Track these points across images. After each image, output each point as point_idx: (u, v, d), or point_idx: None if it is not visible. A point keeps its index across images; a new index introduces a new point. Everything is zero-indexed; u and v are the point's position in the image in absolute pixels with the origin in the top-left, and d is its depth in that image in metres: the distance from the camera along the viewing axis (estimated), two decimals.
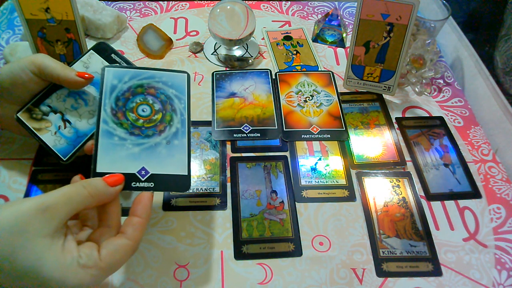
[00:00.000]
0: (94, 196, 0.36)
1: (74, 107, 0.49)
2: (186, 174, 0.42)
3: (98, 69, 0.49)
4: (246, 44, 0.75)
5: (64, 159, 0.47)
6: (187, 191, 0.43)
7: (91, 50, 0.51)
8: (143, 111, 0.44)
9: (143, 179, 0.40)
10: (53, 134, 0.48)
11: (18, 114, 0.48)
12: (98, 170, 0.39)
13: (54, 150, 0.47)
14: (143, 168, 0.41)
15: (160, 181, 0.41)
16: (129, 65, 0.50)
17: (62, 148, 0.48)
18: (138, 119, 0.43)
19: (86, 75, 0.46)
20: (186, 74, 0.47)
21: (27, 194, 0.52)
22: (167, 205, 0.52)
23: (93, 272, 0.33)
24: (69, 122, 0.48)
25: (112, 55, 0.51)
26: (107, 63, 0.50)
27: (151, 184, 0.40)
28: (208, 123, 0.61)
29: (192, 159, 0.56)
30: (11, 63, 0.46)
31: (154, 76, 0.45)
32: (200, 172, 0.56)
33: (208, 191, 0.54)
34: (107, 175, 0.38)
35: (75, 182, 0.37)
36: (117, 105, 0.43)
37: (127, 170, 0.40)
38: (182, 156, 0.43)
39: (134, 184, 0.40)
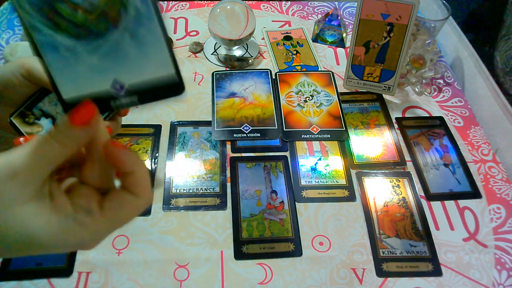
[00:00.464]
0: (68, 145, 0.28)
1: None
2: (173, 72, 0.30)
3: None
4: (246, 44, 0.75)
5: None
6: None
7: None
8: None
9: (121, 94, 0.30)
10: None
11: (11, 118, 0.48)
12: (65, 97, 0.29)
13: None
14: (115, 81, 0.30)
15: (144, 91, 0.31)
16: None
17: None
18: (74, 10, 0.28)
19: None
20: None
21: None
22: (167, 205, 0.52)
23: (94, 227, 0.28)
24: None
25: None
26: None
27: (135, 98, 0.31)
28: (208, 123, 0.61)
29: (191, 158, 0.56)
30: (1, 66, 0.46)
31: None
32: (200, 172, 0.56)
33: (208, 191, 0.54)
34: (73, 111, 0.28)
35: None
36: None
37: (97, 88, 0.30)
38: (158, 49, 0.30)
39: (114, 103, 0.31)
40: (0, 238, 0.27)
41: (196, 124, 0.61)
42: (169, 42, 0.30)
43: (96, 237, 0.29)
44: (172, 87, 0.31)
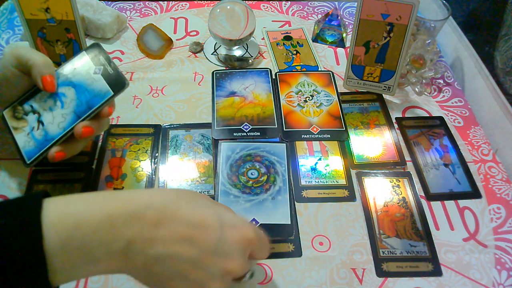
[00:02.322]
0: None
1: (52, 108, 0.47)
2: (289, 223, 0.50)
3: (85, 71, 0.48)
4: (246, 44, 0.75)
5: (27, 162, 0.46)
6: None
7: (84, 51, 0.49)
8: (251, 174, 0.55)
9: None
10: (26, 135, 0.47)
11: (3, 112, 0.48)
12: None
13: (22, 151, 0.46)
14: (253, 219, 0.50)
15: (268, 229, 0.45)
16: (116, 70, 0.48)
17: (30, 150, 0.47)
18: (248, 180, 0.54)
19: (48, 79, 0.45)
20: (285, 144, 0.58)
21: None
22: None
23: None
24: (42, 124, 0.47)
25: (101, 58, 0.49)
26: (94, 67, 0.48)
27: None
28: (201, 126, 0.61)
29: (185, 162, 0.57)
30: None
31: (259, 147, 0.58)
32: (194, 175, 0.55)
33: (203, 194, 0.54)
34: None
35: None
36: (231, 171, 0.55)
37: None
38: (285, 209, 0.52)
39: None
40: None
41: (188, 127, 0.61)
42: (292, 205, 0.51)
43: None
44: (285, 231, 0.50)
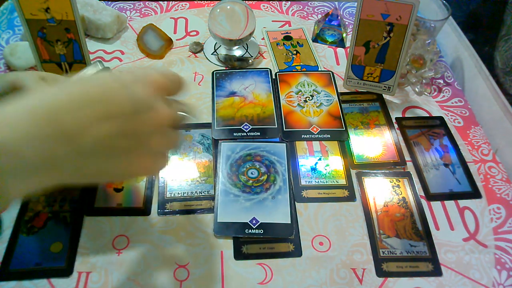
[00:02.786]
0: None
1: None
2: (289, 222, 0.51)
3: None
4: (246, 44, 0.75)
5: None
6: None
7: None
8: (251, 174, 0.55)
9: (254, 227, 0.50)
10: None
11: None
12: (219, 220, 0.50)
13: None
14: (254, 218, 0.51)
15: (267, 228, 0.50)
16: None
17: None
18: (248, 180, 0.54)
19: None
20: (285, 144, 0.58)
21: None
22: (162, 210, 0.52)
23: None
24: None
25: None
26: None
27: (261, 231, 0.50)
28: (201, 126, 0.61)
29: (185, 161, 0.57)
30: None
31: (259, 147, 0.57)
32: (194, 175, 0.55)
33: (203, 194, 0.54)
34: None
35: None
36: (231, 170, 0.55)
37: (241, 220, 0.50)
38: (285, 208, 0.52)
39: (247, 231, 0.50)
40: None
41: (188, 127, 0.61)
42: (292, 205, 0.51)
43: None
44: (285, 230, 0.50)
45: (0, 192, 0.28)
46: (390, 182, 0.56)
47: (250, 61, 0.71)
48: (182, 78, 0.37)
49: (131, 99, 0.32)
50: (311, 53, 0.74)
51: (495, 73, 0.67)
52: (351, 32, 0.69)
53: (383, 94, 0.67)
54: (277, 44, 0.75)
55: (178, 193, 0.53)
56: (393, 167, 0.58)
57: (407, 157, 0.59)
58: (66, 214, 0.50)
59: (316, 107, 0.64)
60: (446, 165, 0.59)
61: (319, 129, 0.61)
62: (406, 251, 0.49)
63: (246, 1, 0.80)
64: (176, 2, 0.83)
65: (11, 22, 0.76)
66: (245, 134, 0.60)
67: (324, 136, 0.60)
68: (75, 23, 0.59)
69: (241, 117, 0.62)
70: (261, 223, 0.50)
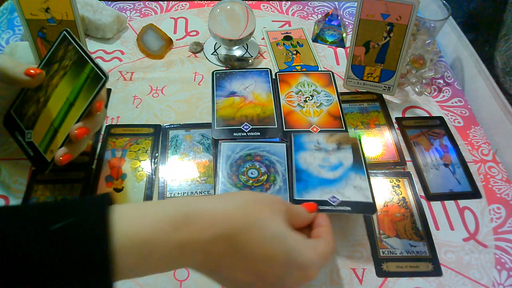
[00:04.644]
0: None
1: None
2: None
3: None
4: (246, 44, 0.75)
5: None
6: None
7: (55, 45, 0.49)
8: (251, 173, 0.54)
9: None
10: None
11: (11, 111, 0.49)
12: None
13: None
14: None
15: None
16: (86, 54, 0.46)
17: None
18: (248, 180, 0.53)
19: (32, 71, 0.45)
20: (285, 144, 0.57)
21: (27, 194, 0.52)
22: None
23: (319, 260, 0.36)
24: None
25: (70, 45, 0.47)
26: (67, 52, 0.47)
27: None
28: (201, 126, 0.61)
29: (185, 162, 0.57)
30: None
31: (259, 147, 0.57)
32: (194, 175, 0.55)
33: (202, 194, 0.54)
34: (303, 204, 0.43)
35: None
36: (231, 170, 0.54)
37: None
38: None
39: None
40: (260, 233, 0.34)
41: (188, 127, 0.61)
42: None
43: (319, 265, 0.36)
44: None
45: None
46: (390, 182, 0.56)
47: (250, 61, 0.71)
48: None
49: (282, 277, 0.34)
50: (311, 53, 0.74)
51: (495, 73, 0.67)
52: (351, 32, 0.69)
53: (383, 94, 0.67)
54: (277, 44, 0.75)
55: (178, 193, 0.53)
56: (393, 167, 0.58)
57: (407, 157, 0.59)
58: None
59: (316, 107, 0.64)
60: (446, 165, 0.59)
61: (319, 129, 0.61)
62: (406, 251, 0.49)
63: (246, 1, 0.80)
64: (176, 2, 0.83)
65: (11, 22, 0.76)
66: (245, 134, 0.60)
67: None
68: (75, 23, 0.59)
69: (241, 117, 0.62)
70: None
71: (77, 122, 0.45)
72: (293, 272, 0.34)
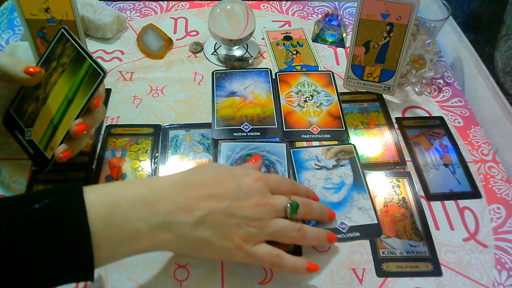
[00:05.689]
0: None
1: None
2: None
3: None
4: (246, 44, 0.75)
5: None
6: None
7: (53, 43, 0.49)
8: None
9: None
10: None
11: (10, 110, 0.49)
12: None
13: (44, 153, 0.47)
14: None
15: None
16: (84, 50, 0.46)
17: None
18: None
19: (31, 69, 0.45)
20: (285, 144, 0.58)
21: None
22: None
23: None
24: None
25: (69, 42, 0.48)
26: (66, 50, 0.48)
27: None
28: (201, 126, 0.61)
29: (185, 162, 0.57)
30: None
31: (259, 147, 0.57)
32: None
33: None
34: None
35: None
36: None
37: None
38: None
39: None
40: None
41: (188, 127, 0.61)
42: None
43: None
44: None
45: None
46: (390, 182, 0.56)
47: (250, 61, 0.71)
48: (283, 177, 0.52)
49: (237, 187, 0.41)
50: (311, 53, 0.74)
51: (495, 73, 0.67)
52: (351, 32, 0.69)
53: (383, 94, 0.67)
54: (277, 44, 0.75)
55: None
56: (393, 167, 0.58)
57: (407, 157, 0.59)
58: None
59: (316, 107, 0.64)
60: (446, 165, 0.59)
61: (319, 129, 0.61)
62: (406, 251, 0.49)
63: (246, 1, 0.80)
64: (176, 2, 0.83)
65: (11, 22, 0.76)
66: (245, 134, 0.60)
67: (324, 136, 0.60)
68: (75, 23, 0.59)
69: (241, 117, 0.62)
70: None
71: (76, 118, 0.45)
72: (241, 179, 0.42)
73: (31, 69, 0.45)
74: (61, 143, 0.46)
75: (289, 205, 0.44)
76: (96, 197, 0.35)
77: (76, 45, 0.46)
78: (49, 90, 0.48)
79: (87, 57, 0.45)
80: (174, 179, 0.41)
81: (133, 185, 0.38)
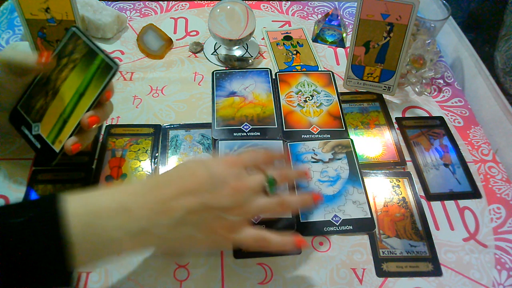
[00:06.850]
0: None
1: None
2: (290, 216, 0.51)
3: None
4: (246, 44, 0.75)
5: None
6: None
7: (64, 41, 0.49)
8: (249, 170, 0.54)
9: (255, 223, 0.50)
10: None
11: (17, 107, 0.49)
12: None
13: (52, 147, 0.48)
14: None
15: (268, 226, 0.49)
16: (96, 46, 0.47)
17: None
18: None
19: (44, 56, 0.46)
20: (281, 141, 0.57)
21: (27, 194, 0.52)
22: None
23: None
24: None
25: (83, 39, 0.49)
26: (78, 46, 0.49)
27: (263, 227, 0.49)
28: (201, 126, 0.61)
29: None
30: None
31: (257, 144, 0.57)
32: None
33: None
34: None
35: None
36: None
37: None
38: None
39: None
40: None
41: (188, 127, 0.61)
42: None
43: None
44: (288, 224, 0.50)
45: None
46: (390, 182, 0.56)
47: (250, 61, 0.71)
48: (257, 150, 0.48)
49: (210, 177, 0.39)
50: (311, 53, 0.74)
51: (495, 73, 0.67)
52: (351, 32, 0.69)
53: (383, 94, 0.67)
54: (277, 44, 0.75)
55: None
56: (393, 167, 0.58)
57: (407, 157, 0.59)
58: None
59: (316, 107, 0.64)
60: (446, 165, 0.59)
61: (319, 129, 0.61)
62: (406, 251, 0.49)
63: (246, 1, 0.80)
64: (176, 2, 0.83)
65: (11, 22, 0.76)
66: (245, 134, 0.60)
67: (324, 136, 0.60)
68: (75, 23, 0.59)
69: (241, 117, 0.62)
70: (260, 220, 0.50)
71: (87, 111, 0.46)
72: (212, 167, 0.40)
73: (43, 58, 0.46)
74: (70, 136, 0.47)
75: (266, 183, 0.42)
76: (77, 206, 0.35)
77: (88, 41, 0.48)
78: (59, 85, 0.48)
79: (100, 52, 0.47)
80: (147, 182, 0.40)
81: (112, 193, 0.38)
